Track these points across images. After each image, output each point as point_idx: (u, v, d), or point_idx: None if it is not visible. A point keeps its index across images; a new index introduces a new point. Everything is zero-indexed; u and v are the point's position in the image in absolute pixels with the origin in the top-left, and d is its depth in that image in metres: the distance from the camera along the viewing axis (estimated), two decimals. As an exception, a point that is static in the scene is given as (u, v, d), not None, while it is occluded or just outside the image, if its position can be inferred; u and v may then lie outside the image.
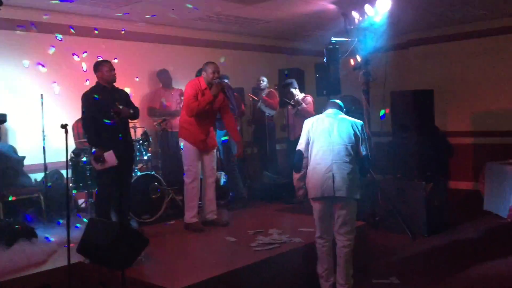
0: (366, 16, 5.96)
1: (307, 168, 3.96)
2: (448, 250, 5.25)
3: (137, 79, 6.49)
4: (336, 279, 3.92)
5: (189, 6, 5.88)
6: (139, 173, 5.60)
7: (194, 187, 5.10)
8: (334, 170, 3.78)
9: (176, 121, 7.16)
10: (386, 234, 5.72)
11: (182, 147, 5.30)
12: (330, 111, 4.06)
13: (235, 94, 6.55)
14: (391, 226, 5.78)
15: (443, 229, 5.81)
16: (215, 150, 5.34)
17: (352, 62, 6.24)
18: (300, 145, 4.02)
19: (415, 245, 5.39)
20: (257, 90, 7.68)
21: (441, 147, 6.63)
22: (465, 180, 8.34)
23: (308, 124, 4.02)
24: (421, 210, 5.62)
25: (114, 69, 4.83)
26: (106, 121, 4.59)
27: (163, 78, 7.18)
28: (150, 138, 6.05)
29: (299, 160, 4.01)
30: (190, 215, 5.09)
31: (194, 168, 5.09)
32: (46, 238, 4.60)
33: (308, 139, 3.97)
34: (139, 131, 6.04)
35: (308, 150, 3.97)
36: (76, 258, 3.92)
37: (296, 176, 4.07)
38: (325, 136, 3.89)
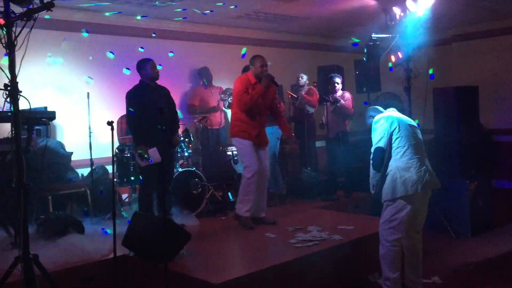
0: (407, 12, 5.85)
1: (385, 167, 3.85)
2: (492, 251, 5.11)
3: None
4: (414, 278, 3.88)
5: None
6: (180, 169, 5.71)
7: (253, 182, 4.96)
8: (427, 164, 3.81)
9: (216, 118, 7.28)
10: (428, 233, 5.59)
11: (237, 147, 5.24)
12: (394, 109, 4.08)
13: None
14: (433, 225, 5.66)
15: (487, 229, 5.67)
16: (267, 147, 5.30)
17: (393, 58, 6.14)
18: (381, 143, 3.84)
19: (458, 245, 5.28)
20: (296, 87, 7.68)
21: (485, 145, 6.45)
22: (511, 180, 8.08)
23: (387, 121, 3.87)
24: (465, 210, 5.50)
25: (156, 67, 4.97)
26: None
27: (204, 76, 7.30)
28: (191, 135, 6.15)
29: (381, 158, 3.84)
30: (244, 209, 5.00)
31: (254, 164, 4.96)
32: (102, 230, 4.78)
33: (390, 136, 3.82)
34: (180, 128, 6.15)
35: (388, 147, 3.83)
36: (121, 251, 4.02)
37: (376, 175, 3.90)
38: (410, 131, 3.84)
